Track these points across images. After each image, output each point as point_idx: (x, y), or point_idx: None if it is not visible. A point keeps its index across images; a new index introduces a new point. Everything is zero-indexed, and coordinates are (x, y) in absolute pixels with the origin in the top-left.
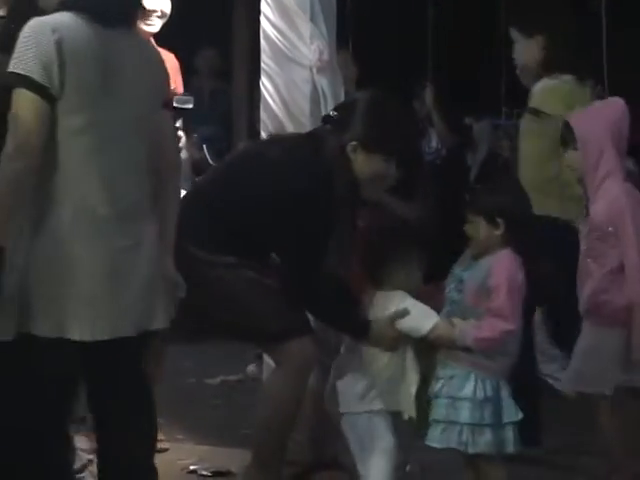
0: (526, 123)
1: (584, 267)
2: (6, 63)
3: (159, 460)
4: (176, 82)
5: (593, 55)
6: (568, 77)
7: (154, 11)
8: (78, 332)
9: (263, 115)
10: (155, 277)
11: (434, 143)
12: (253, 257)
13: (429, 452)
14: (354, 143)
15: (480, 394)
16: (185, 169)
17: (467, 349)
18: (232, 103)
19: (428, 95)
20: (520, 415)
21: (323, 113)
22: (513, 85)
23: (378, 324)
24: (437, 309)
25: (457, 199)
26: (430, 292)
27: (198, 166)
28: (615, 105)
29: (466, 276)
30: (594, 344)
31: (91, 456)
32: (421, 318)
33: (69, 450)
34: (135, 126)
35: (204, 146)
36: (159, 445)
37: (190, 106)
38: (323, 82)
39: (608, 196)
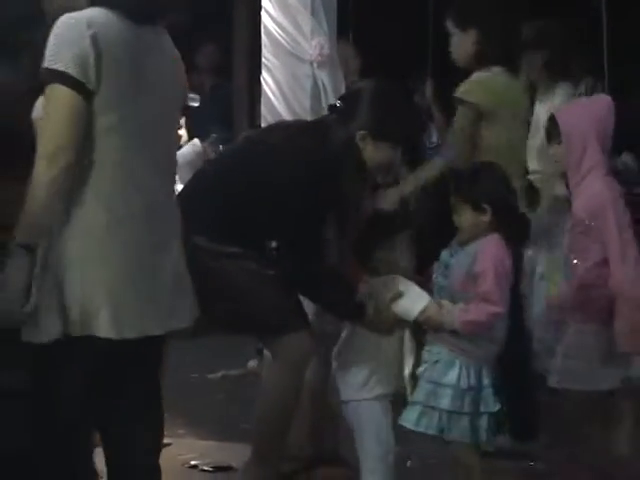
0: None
1: (567, 262)
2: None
3: (160, 455)
4: None
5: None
6: (498, 69)
7: None
8: (108, 330)
9: (264, 110)
10: (182, 275)
11: (435, 138)
12: (254, 247)
13: (430, 446)
14: (363, 132)
15: (464, 382)
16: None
17: (454, 332)
18: (233, 98)
19: (428, 89)
20: (497, 406)
21: (324, 107)
22: None
23: (374, 308)
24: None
25: None
26: (420, 281)
27: None
28: (601, 102)
29: (453, 261)
30: (578, 341)
31: None
32: (413, 301)
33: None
34: (162, 124)
35: (220, 147)
36: None
37: (196, 104)
38: (324, 77)
39: (590, 191)
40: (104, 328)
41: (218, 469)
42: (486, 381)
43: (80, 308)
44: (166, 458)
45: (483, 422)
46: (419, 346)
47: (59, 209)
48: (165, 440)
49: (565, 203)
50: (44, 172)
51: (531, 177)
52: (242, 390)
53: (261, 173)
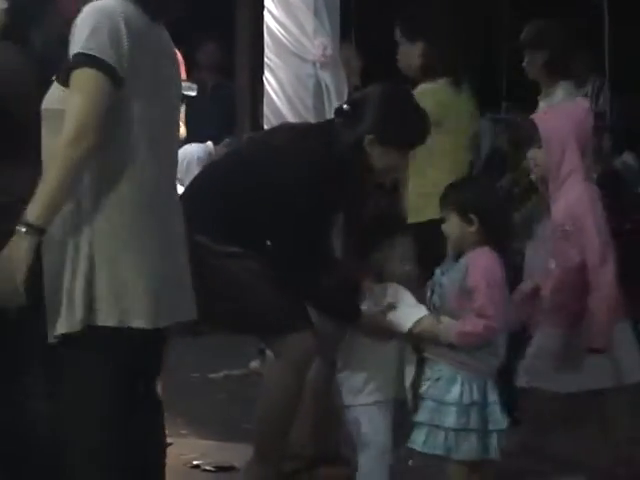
0: None
1: (545, 266)
2: (8, 51)
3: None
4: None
5: (594, 51)
6: (443, 81)
7: None
8: (144, 320)
9: (266, 110)
10: (186, 268)
11: None
12: (256, 247)
13: None
14: (371, 137)
15: (467, 398)
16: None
17: (452, 346)
18: (235, 98)
19: None
20: (506, 422)
21: (326, 108)
22: (513, 79)
23: (369, 315)
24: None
25: None
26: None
27: None
28: (579, 106)
29: (444, 280)
30: (548, 343)
31: None
32: (407, 313)
33: None
34: (172, 118)
35: None
36: None
37: (193, 94)
38: (326, 77)
39: (570, 195)
40: (139, 319)
41: (220, 469)
42: (492, 397)
43: (114, 299)
44: (168, 458)
45: (493, 440)
46: (419, 360)
47: (72, 192)
48: (167, 440)
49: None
50: (69, 152)
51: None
52: (244, 390)
53: (264, 174)
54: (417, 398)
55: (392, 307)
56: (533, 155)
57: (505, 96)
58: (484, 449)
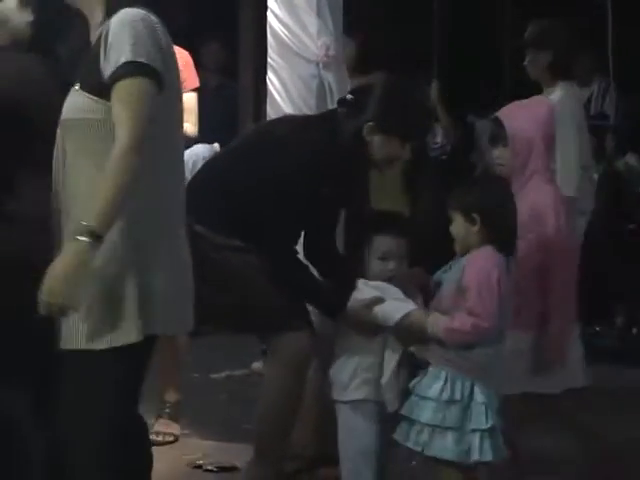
0: None
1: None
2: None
3: (164, 455)
4: (190, 77)
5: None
6: (378, 74)
7: None
8: (166, 327)
9: (269, 110)
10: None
11: (439, 139)
12: (256, 240)
13: None
14: (371, 124)
15: (446, 395)
16: None
17: (440, 342)
18: (238, 98)
19: (434, 90)
20: (490, 423)
21: (329, 108)
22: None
23: (354, 308)
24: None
25: None
26: (411, 275)
27: None
28: (544, 105)
29: (444, 277)
30: (516, 347)
31: None
32: (395, 307)
33: None
34: (180, 118)
35: None
36: (164, 438)
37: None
38: (329, 77)
39: (532, 197)
40: (161, 325)
41: (222, 469)
42: (479, 397)
43: (139, 309)
44: (170, 458)
45: (474, 440)
46: (404, 354)
47: (126, 201)
48: (169, 438)
49: None
50: (129, 159)
51: None
52: (246, 390)
53: (267, 165)
54: (403, 392)
55: (379, 300)
56: (498, 154)
57: (507, 96)
58: (463, 450)
